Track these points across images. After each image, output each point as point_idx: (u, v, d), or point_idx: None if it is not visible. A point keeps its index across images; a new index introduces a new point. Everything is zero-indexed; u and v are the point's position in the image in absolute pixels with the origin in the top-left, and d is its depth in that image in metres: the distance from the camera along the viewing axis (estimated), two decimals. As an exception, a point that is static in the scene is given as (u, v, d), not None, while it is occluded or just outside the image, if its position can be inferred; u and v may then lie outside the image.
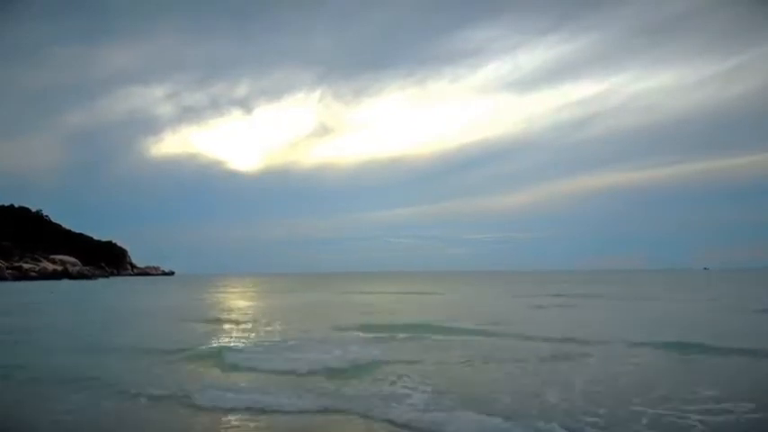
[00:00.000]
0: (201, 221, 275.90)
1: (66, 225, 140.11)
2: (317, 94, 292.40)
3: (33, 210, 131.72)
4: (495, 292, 40.50)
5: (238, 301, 35.30)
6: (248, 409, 7.52)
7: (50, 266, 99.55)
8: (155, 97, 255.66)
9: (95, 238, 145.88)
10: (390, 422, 6.84)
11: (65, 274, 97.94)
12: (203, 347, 13.15)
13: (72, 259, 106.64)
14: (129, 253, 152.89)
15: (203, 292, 46.94)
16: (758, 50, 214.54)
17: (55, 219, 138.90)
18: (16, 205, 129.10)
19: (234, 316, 22.58)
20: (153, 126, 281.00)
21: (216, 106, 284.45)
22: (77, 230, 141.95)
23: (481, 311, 22.87)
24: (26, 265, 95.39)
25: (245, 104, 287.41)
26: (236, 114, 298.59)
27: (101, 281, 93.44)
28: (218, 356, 11.63)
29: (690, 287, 46.38)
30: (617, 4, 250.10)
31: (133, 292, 49.62)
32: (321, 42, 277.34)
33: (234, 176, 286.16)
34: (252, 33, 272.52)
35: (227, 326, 18.88)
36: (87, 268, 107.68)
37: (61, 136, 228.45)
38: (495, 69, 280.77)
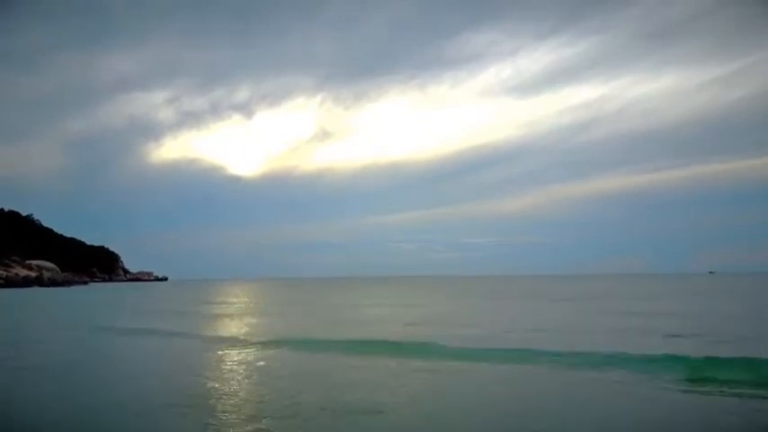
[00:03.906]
0: (201, 226, 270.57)
1: (63, 230, 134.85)
2: (317, 98, 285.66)
3: (24, 214, 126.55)
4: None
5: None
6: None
7: (23, 272, 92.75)
8: (155, 102, 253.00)
9: (92, 243, 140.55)
10: None
11: (38, 281, 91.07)
12: None
13: (50, 265, 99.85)
14: (125, 258, 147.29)
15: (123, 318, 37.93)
16: (758, 55, 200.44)
17: (53, 224, 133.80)
18: (6, 209, 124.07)
19: None
20: (153, 131, 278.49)
21: (216, 111, 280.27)
22: (75, 236, 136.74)
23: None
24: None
25: (246, 109, 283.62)
26: (237, 119, 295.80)
27: (72, 288, 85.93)
28: None
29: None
30: (617, 9, 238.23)
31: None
32: (322, 47, 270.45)
33: (234, 181, 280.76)
34: (252, 38, 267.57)
35: None
36: (65, 274, 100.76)
37: (61, 141, 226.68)
38: (495, 73, 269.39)
